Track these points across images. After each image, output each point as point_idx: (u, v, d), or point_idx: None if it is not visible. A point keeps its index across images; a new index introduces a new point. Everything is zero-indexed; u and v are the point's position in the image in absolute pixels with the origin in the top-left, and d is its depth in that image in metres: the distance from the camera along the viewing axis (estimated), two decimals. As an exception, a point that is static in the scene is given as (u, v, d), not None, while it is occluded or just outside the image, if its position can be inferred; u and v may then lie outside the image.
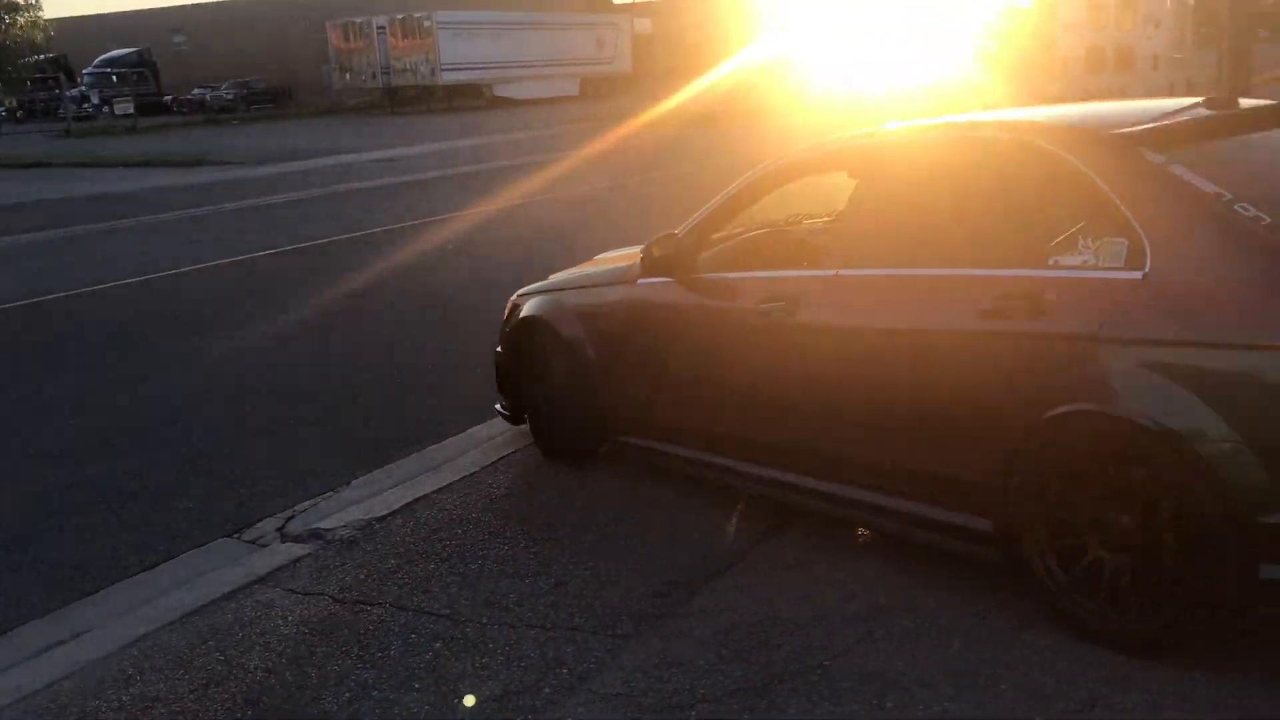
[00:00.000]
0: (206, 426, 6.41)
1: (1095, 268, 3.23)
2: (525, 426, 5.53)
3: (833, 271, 3.99)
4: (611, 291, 4.97)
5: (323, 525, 4.76)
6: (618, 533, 4.44)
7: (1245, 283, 2.99)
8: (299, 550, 4.52)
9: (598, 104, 44.40)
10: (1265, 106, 4.08)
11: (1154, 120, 3.60)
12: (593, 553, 4.26)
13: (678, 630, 3.61)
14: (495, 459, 5.42)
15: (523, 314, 5.36)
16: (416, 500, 4.95)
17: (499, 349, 5.59)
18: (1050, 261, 3.34)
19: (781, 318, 4.02)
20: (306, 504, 5.06)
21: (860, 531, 4.14)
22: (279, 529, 4.81)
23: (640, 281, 4.74)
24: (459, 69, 49.03)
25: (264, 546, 4.64)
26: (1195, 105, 3.84)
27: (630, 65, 57.63)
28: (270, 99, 58.63)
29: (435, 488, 5.08)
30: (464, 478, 5.18)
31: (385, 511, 4.85)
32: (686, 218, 4.74)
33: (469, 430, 5.89)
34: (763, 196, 4.57)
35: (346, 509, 4.93)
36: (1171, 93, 23.26)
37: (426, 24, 48.10)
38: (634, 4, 72.46)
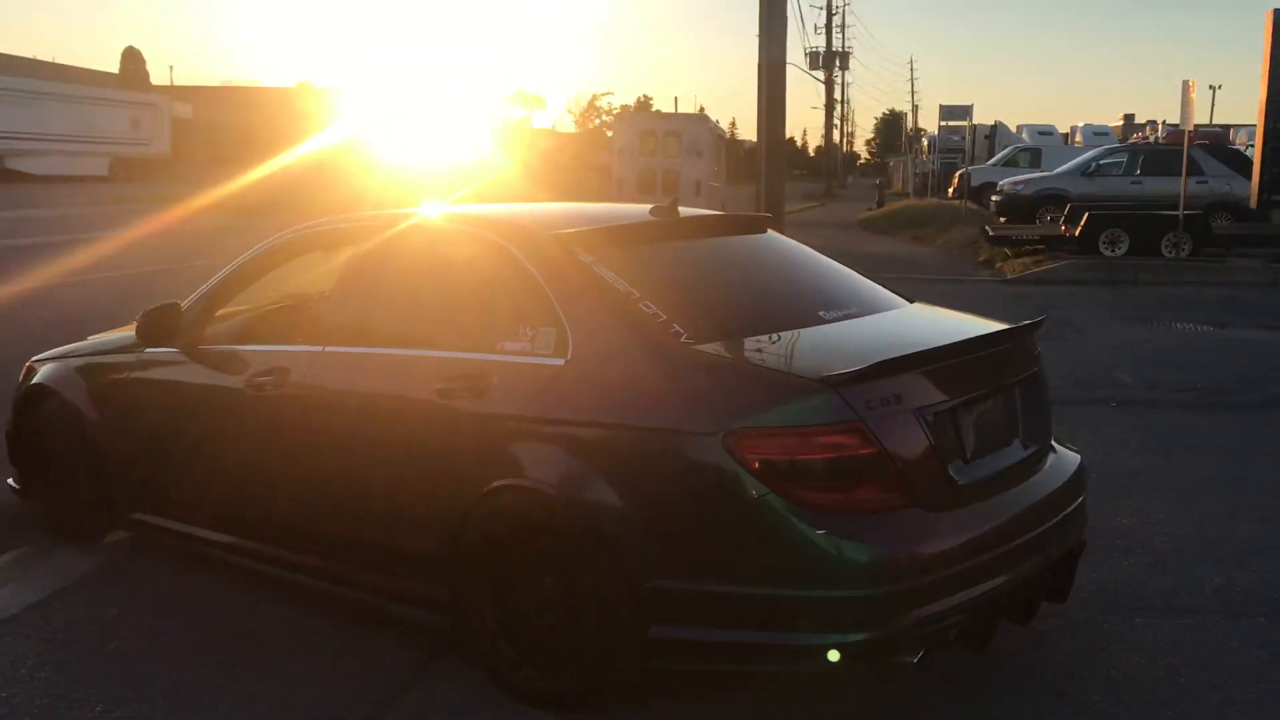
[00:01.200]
0: None
1: (530, 354, 3.51)
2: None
3: (320, 348, 4.09)
4: (118, 359, 4.81)
5: None
6: (228, 686, 3.53)
7: (639, 371, 3.32)
8: None
9: (131, 187, 40.86)
10: (701, 217, 4.52)
11: (594, 224, 3.94)
12: (199, 716, 3.33)
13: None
14: (52, 591, 4.25)
15: (34, 380, 5.09)
16: (-66, 656, 3.71)
17: (10, 416, 5.21)
18: (499, 347, 3.58)
19: (272, 391, 4.06)
20: None
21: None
22: None
23: (146, 351, 4.59)
24: (-42, 135, 43.20)
25: None
26: (643, 213, 4.18)
27: (169, 149, 53.99)
28: None
29: (-37, 638, 3.85)
30: (3, 621, 3.99)
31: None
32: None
33: (6, 554, 4.63)
34: (269, 271, 4.61)
35: None
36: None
37: (-81, 81, 42.13)
38: (173, 87, 68.51)
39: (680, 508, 3.17)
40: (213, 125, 62.31)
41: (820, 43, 66.35)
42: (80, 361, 4.99)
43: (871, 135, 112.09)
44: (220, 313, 4.65)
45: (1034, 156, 33.62)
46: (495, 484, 3.42)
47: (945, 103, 45.91)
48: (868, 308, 3.96)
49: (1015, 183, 22.93)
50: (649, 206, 4.20)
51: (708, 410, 3.18)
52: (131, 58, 65.67)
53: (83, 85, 51.29)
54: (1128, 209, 18.21)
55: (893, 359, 3.23)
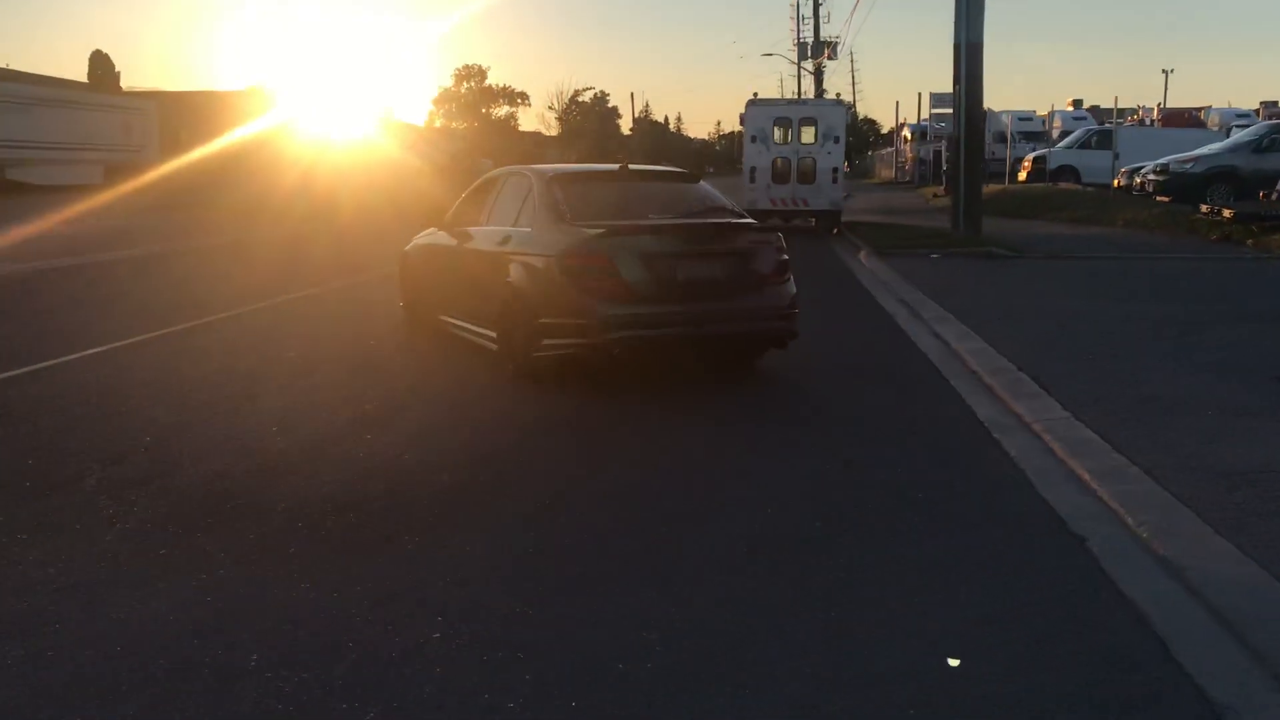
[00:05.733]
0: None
1: (526, 227, 8.40)
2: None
3: (477, 228, 9.33)
4: (429, 239, 10.38)
5: None
6: None
7: (549, 235, 8.05)
8: None
9: (139, 195, 38.84)
10: (640, 169, 9.59)
11: (567, 172, 9.04)
12: None
13: None
14: None
15: (406, 249, 11.07)
16: None
17: (398, 269, 11.36)
18: (519, 224, 8.52)
19: (466, 246, 9.36)
20: None
21: None
22: None
23: (438, 233, 10.21)
24: (-46, 146, 40.68)
25: None
26: (610, 168, 9.51)
27: (159, 154, 51.78)
28: None
29: None
30: None
31: None
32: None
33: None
34: (480, 197, 9.73)
35: None
36: (846, 200, 25.16)
37: (-92, 90, 39.49)
38: (142, 92, 65.71)
39: (544, 287, 7.79)
40: (184, 129, 59.98)
41: (808, 34, 65.49)
42: (418, 239, 10.68)
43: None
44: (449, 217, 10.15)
45: (1103, 138, 33.80)
46: (506, 280, 8.20)
47: (854, 94, 45.97)
48: (686, 215, 8.47)
49: (1183, 161, 22.74)
50: (616, 165, 9.54)
51: (557, 246, 7.77)
52: (100, 63, 62.54)
53: (77, 90, 48.87)
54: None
55: (627, 224, 7.86)
